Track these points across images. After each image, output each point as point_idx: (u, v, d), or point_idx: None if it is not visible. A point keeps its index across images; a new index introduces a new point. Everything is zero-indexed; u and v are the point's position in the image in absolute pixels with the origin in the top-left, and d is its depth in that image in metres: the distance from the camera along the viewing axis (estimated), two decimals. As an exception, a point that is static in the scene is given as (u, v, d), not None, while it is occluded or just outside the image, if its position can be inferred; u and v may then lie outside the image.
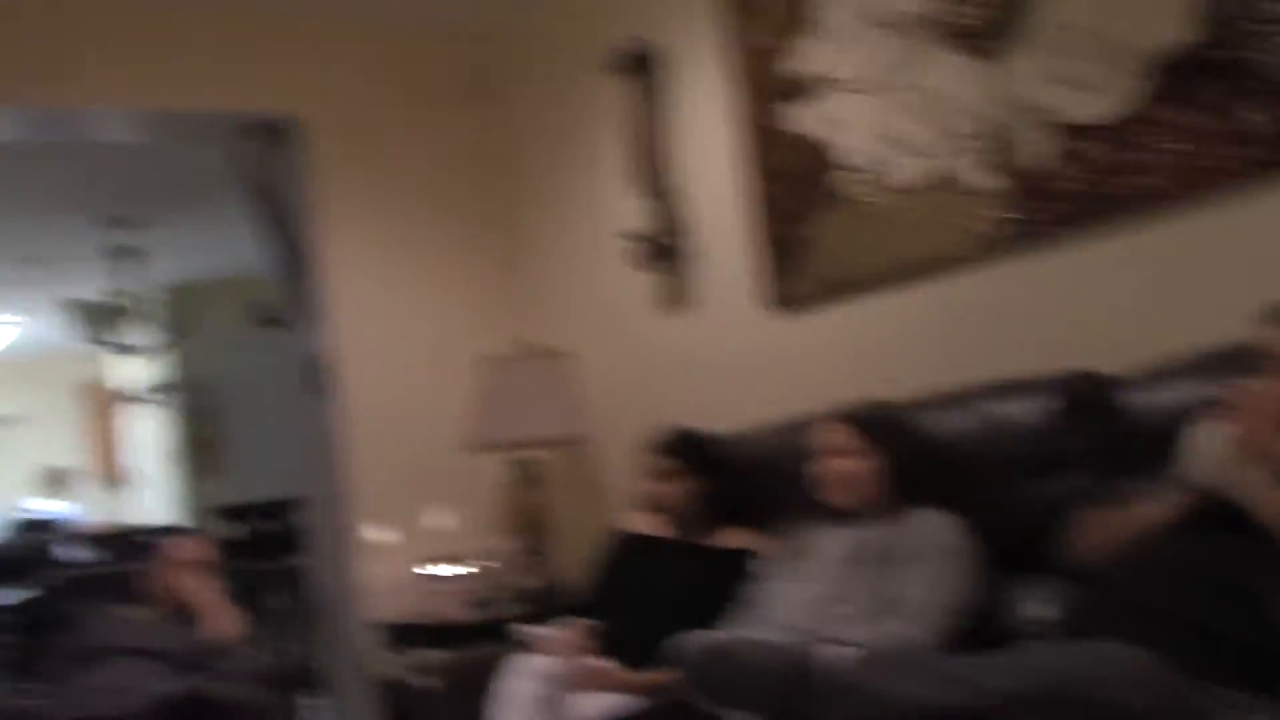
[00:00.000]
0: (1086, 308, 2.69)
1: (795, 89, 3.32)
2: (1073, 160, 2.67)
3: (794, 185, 3.34)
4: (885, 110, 3.08)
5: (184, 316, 8.19)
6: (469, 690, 2.79)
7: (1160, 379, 2.39)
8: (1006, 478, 2.58)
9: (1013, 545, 2.55)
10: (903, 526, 2.50)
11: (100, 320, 7.32)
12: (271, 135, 4.21)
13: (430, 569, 3.88)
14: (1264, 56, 2.33)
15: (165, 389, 9.07)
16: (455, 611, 3.77)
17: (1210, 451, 1.76)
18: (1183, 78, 2.46)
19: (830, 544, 2.62)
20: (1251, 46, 2.35)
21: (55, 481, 11.28)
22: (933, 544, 2.43)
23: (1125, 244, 2.61)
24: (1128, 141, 2.56)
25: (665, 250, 3.80)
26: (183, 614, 3.87)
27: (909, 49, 3.01)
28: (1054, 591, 2.46)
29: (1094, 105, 2.62)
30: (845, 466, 2.62)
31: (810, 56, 3.27)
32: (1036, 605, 2.51)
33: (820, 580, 2.57)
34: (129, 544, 6.17)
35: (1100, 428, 2.48)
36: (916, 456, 2.63)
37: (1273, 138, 2.33)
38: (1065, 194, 2.69)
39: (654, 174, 3.82)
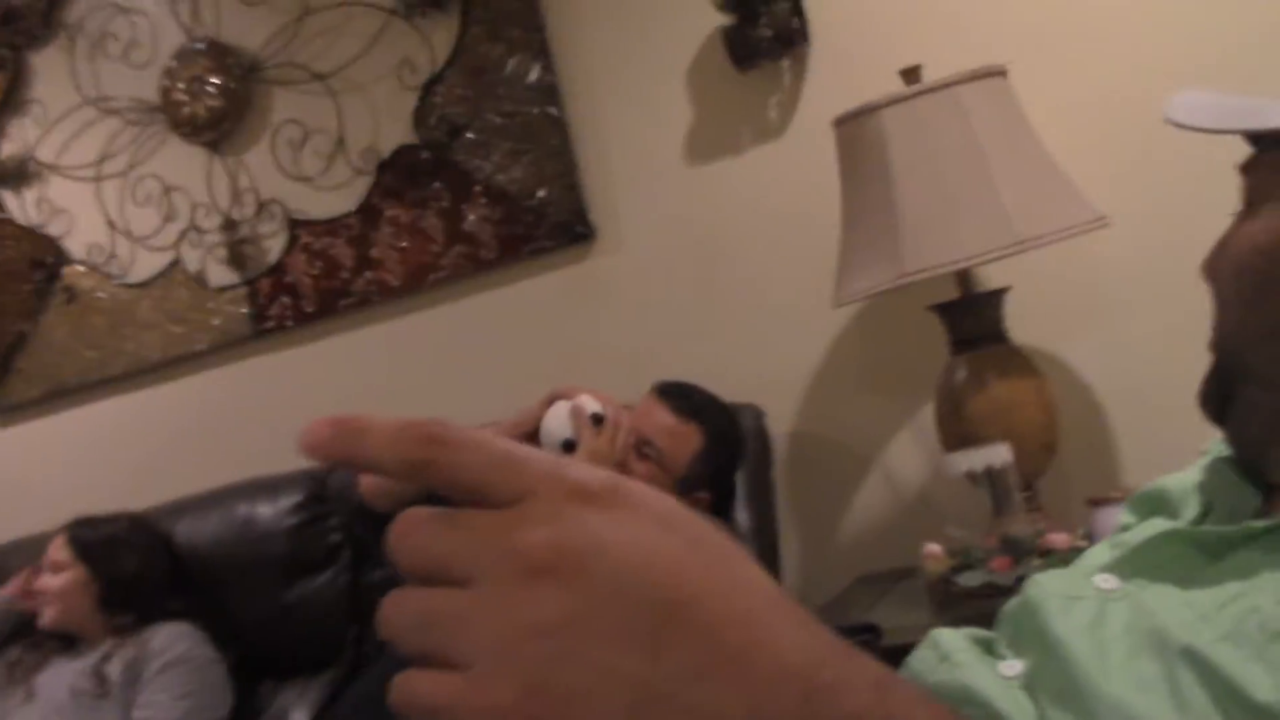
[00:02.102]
0: (330, 399, 2.68)
1: (9, 173, 2.99)
2: (308, 254, 2.67)
3: (11, 277, 3.00)
4: (114, 199, 2.88)
5: None
6: None
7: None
8: (261, 580, 2.48)
9: (271, 649, 2.46)
10: (140, 646, 2.29)
11: None
12: None
13: None
14: (477, 160, 2.51)
15: None
16: None
17: None
18: (405, 177, 2.57)
19: (58, 675, 2.33)
20: (463, 150, 2.51)
21: None
22: (167, 659, 2.25)
23: (362, 335, 2.66)
24: (359, 237, 2.62)
25: None
26: None
27: (138, 136, 2.83)
28: (316, 691, 2.42)
29: (327, 202, 2.65)
30: (52, 583, 2.37)
31: (26, 138, 2.97)
32: (299, 708, 2.44)
33: (52, 717, 2.28)
34: None
35: (351, 521, 2.46)
36: (139, 569, 2.42)
37: (486, 238, 2.51)
38: (302, 288, 2.68)
39: None
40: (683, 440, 1.97)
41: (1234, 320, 0.82)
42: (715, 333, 2.35)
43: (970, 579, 1.70)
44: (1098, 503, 1.83)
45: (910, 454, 2.22)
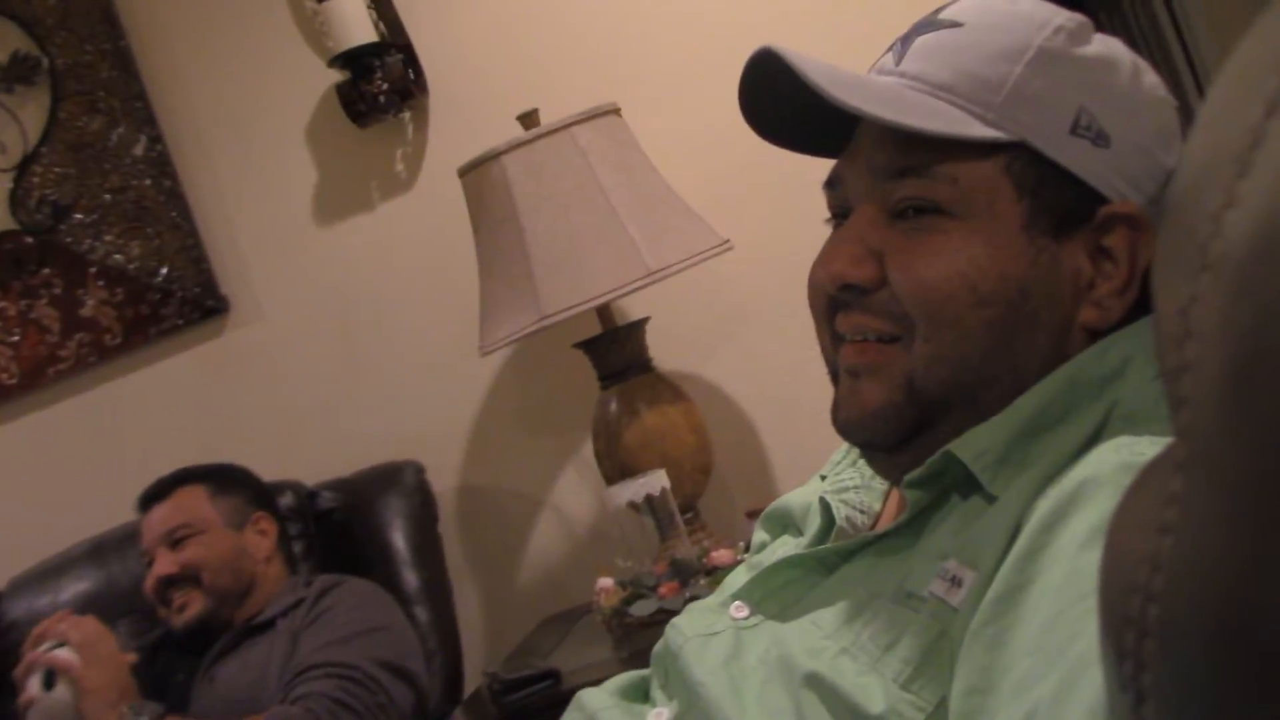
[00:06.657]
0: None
1: None
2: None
3: None
4: None
5: None
6: None
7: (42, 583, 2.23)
8: None
9: None
10: None
11: None
12: None
13: None
14: (89, 241, 2.34)
15: None
16: None
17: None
18: (9, 266, 2.38)
19: None
20: (72, 231, 2.35)
21: None
22: None
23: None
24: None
25: None
26: None
27: None
28: None
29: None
30: None
31: None
32: None
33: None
34: None
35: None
36: None
37: (108, 322, 2.34)
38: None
39: None
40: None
41: None
42: (365, 394, 2.29)
43: (642, 609, 1.71)
44: (754, 514, 1.88)
45: (577, 491, 2.23)
